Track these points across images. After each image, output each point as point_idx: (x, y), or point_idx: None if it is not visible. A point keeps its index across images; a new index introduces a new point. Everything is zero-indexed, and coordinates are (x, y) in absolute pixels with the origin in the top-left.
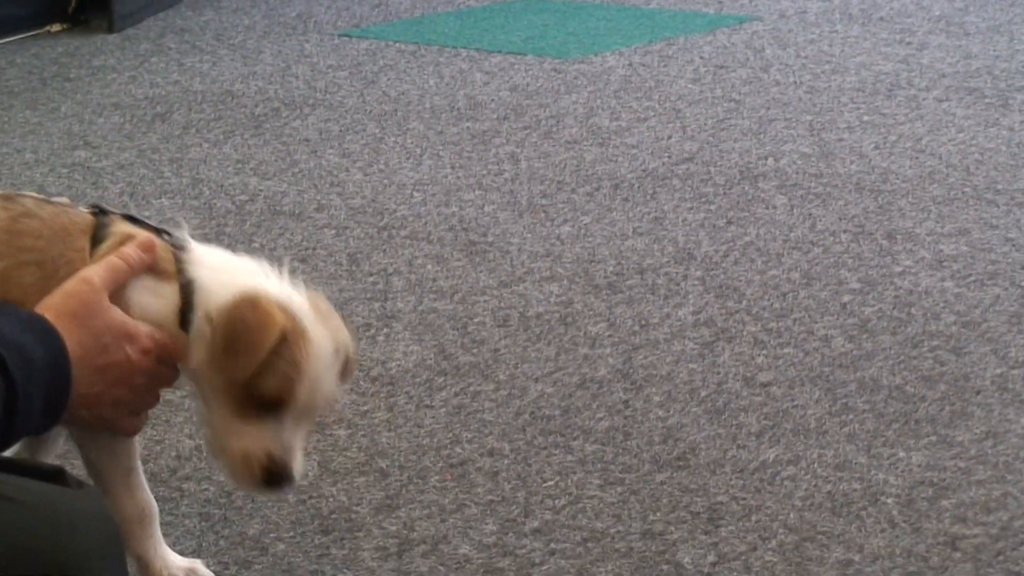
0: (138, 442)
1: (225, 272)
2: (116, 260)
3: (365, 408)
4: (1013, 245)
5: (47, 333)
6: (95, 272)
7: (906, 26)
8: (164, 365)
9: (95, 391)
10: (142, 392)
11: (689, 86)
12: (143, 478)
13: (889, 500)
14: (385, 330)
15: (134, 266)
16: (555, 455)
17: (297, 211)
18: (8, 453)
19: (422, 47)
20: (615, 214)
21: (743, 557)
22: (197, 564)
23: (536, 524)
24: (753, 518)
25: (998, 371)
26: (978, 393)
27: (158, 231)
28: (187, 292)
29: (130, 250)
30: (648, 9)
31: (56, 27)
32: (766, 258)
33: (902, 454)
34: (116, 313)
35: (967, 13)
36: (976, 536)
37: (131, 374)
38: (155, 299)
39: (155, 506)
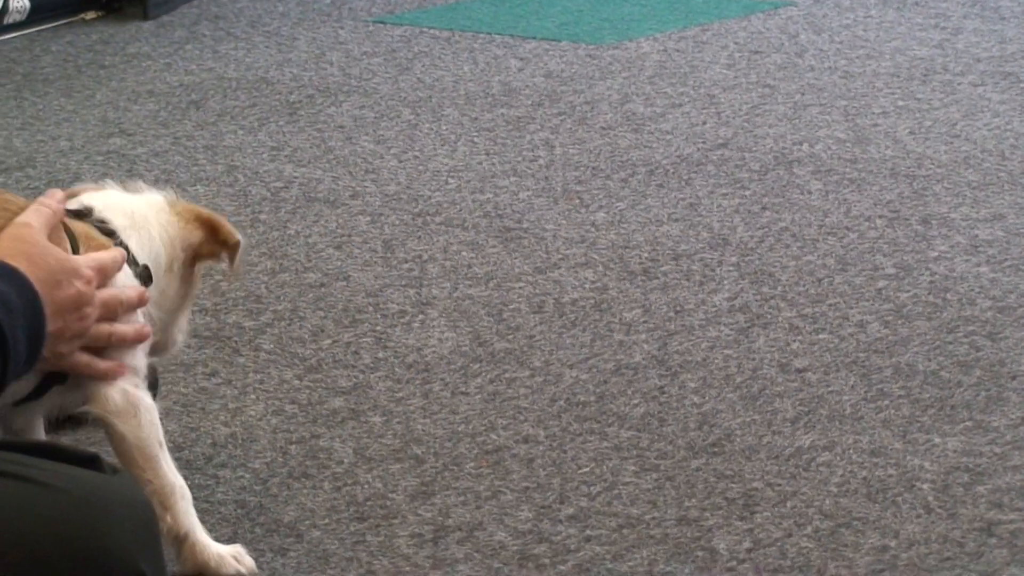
0: (175, 428)
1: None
2: (42, 208)
3: (400, 395)
4: None
5: (14, 276)
6: (30, 217)
7: (941, 11)
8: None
9: (55, 328)
10: (92, 323)
11: (723, 72)
12: None
13: (925, 486)
14: (420, 317)
15: (57, 211)
16: (590, 442)
17: (332, 198)
18: None
19: (456, 33)
20: (650, 200)
21: (779, 543)
22: (239, 549)
23: (571, 511)
24: (788, 504)
25: None
26: (1014, 378)
27: None
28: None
29: (48, 199)
30: None
31: (91, 14)
32: (801, 244)
33: (938, 440)
34: (59, 251)
35: None
36: (1012, 522)
37: (82, 306)
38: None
39: None
